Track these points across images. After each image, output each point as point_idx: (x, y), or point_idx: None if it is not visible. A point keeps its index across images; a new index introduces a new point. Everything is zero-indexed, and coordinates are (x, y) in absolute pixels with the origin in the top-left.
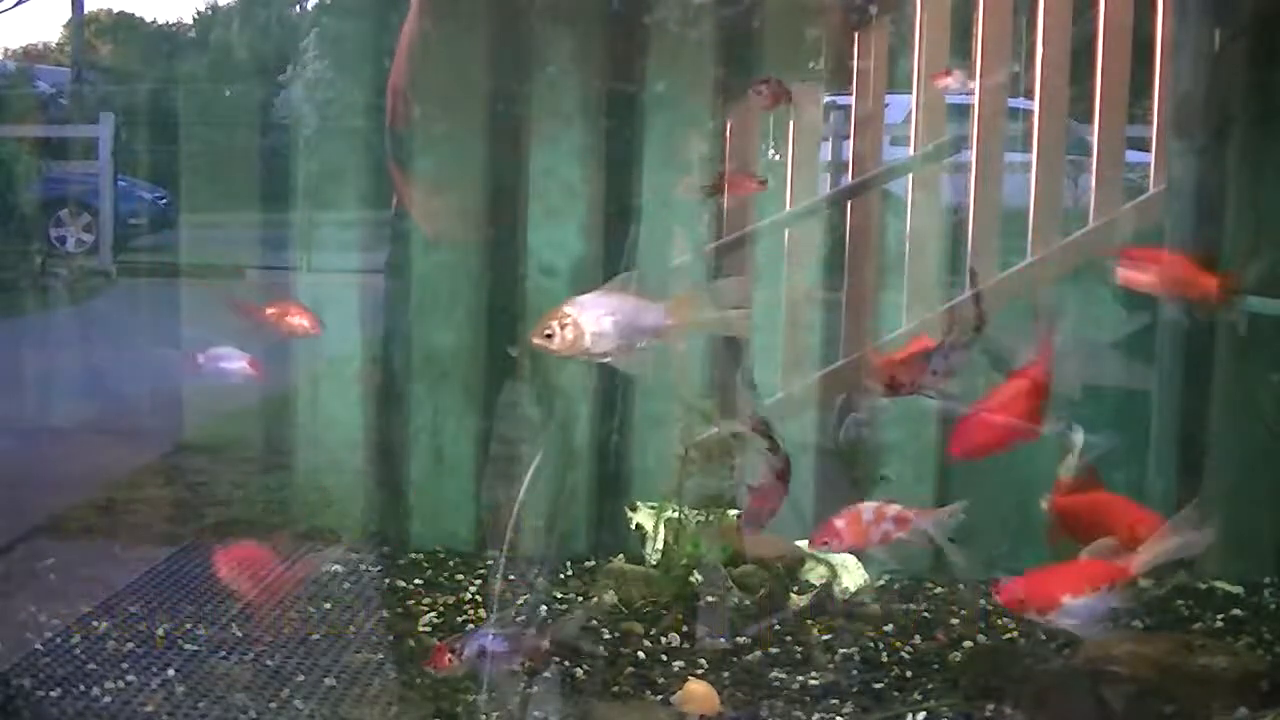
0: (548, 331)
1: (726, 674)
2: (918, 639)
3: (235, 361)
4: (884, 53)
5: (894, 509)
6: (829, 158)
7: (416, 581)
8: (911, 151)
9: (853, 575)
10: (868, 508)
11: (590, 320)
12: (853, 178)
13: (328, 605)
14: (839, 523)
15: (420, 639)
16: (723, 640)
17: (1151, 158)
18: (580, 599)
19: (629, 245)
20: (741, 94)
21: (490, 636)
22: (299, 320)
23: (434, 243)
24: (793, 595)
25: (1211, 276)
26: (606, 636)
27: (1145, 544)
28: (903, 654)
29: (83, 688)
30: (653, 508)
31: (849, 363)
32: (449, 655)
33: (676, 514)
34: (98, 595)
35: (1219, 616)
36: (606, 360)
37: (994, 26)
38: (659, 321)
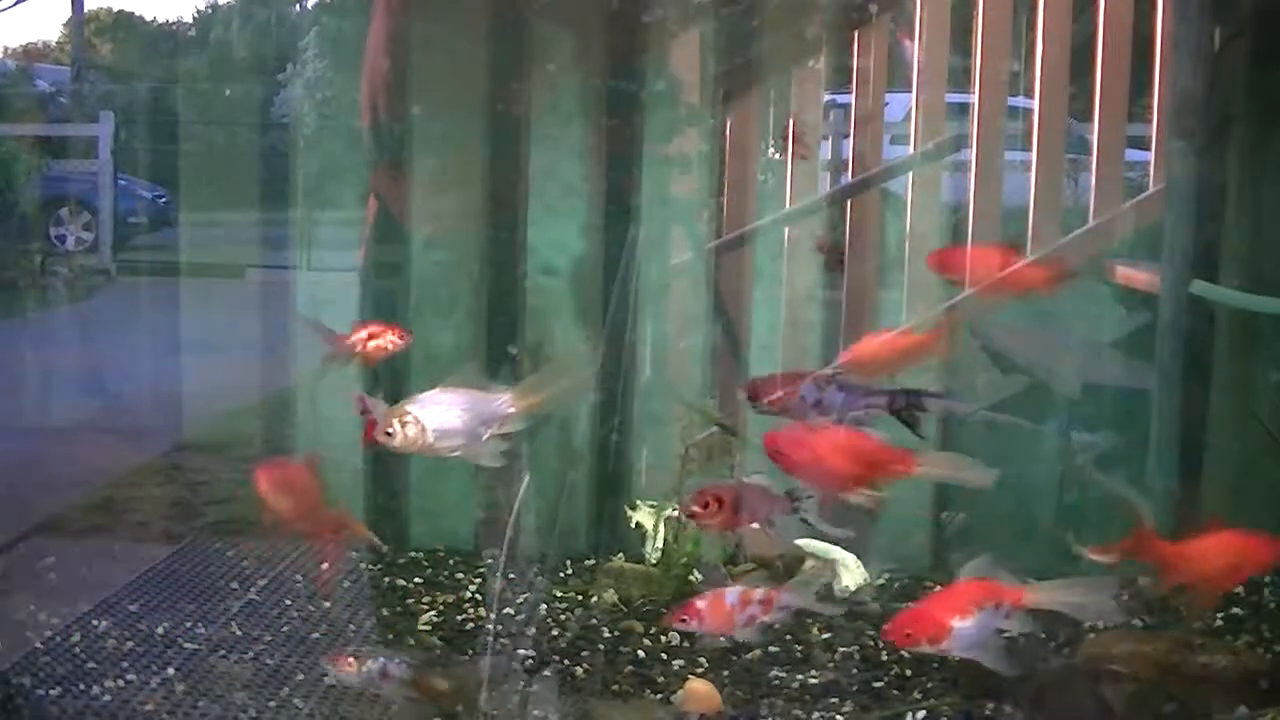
0: (389, 430)
1: (726, 673)
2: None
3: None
4: (884, 52)
5: (759, 592)
6: (829, 157)
7: (416, 580)
8: (911, 150)
9: (853, 574)
10: (732, 592)
11: (432, 418)
12: (853, 176)
13: (328, 604)
14: (701, 604)
15: (420, 637)
16: (722, 639)
17: (1151, 156)
18: (580, 597)
19: (629, 244)
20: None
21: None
22: (388, 338)
23: (428, 240)
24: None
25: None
26: (607, 635)
27: (1050, 586)
28: (902, 653)
29: (82, 686)
30: (653, 507)
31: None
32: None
33: (676, 513)
34: (97, 594)
35: (1219, 615)
36: (456, 454)
37: (994, 26)
38: (503, 411)
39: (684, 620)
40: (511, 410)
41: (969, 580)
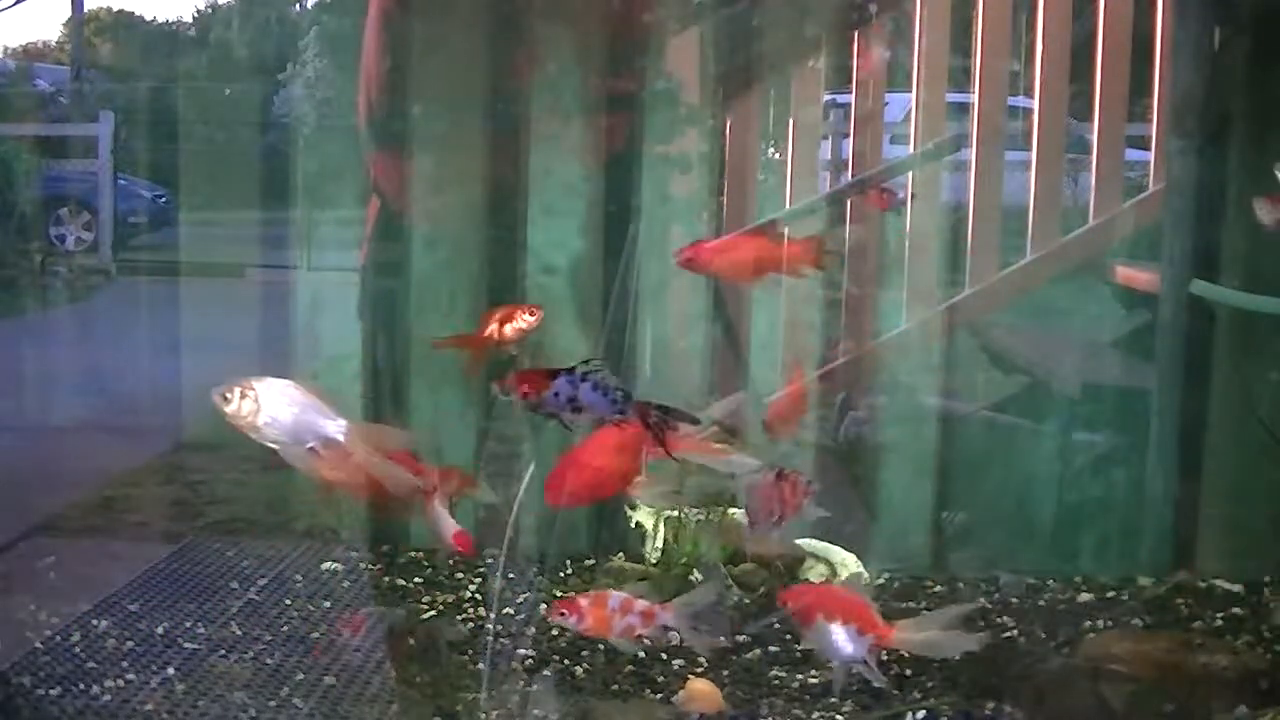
0: (227, 394)
1: (726, 672)
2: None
3: None
4: (884, 51)
5: (641, 604)
6: (829, 156)
7: (416, 580)
8: (911, 150)
9: (853, 574)
10: (616, 597)
11: (269, 402)
12: (852, 176)
13: (327, 604)
14: (582, 602)
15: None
16: (722, 639)
17: (1151, 156)
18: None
19: (629, 243)
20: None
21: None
22: (523, 318)
23: (428, 240)
24: None
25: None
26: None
27: (915, 626)
28: (902, 652)
29: (82, 686)
30: (652, 506)
31: (848, 361)
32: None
33: (676, 512)
34: (97, 594)
35: (1219, 615)
36: (275, 449)
37: (994, 26)
38: (333, 435)
39: (563, 614)
40: (341, 439)
41: (863, 598)
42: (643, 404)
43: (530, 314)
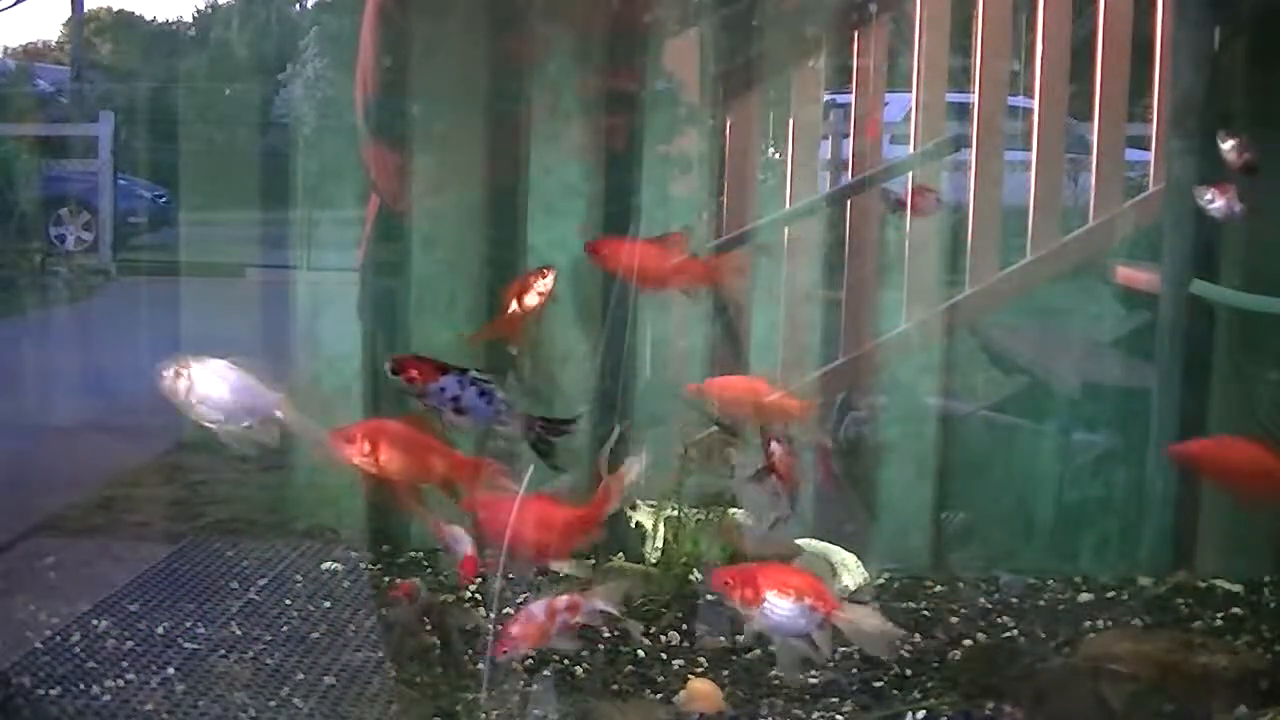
0: (164, 371)
1: (726, 672)
2: (917, 637)
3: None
4: (884, 51)
5: (564, 600)
6: (828, 156)
7: (416, 580)
8: (911, 150)
9: (852, 574)
10: (537, 606)
11: (203, 381)
12: (852, 176)
13: (327, 604)
14: (515, 629)
15: (420, 637)
16: (722, 639)
17: (1151, 156)
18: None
19: None
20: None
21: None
22: (538, 284)
23: (428, 239)
24: None
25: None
26: (606, 635)
27: (852, 608)
28: (902, 652)
29: (82, 686)
30: (652, 506)
31: (848, 361)
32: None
33: (676, 512)
34: (97, 594)
35: (1219, 615)
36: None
37: (994, 26)
38: (269, 410)
39: (504, 652)
40: (278, 414)
41: (807, 570)
42: (528, 416)
43: (544, 277)
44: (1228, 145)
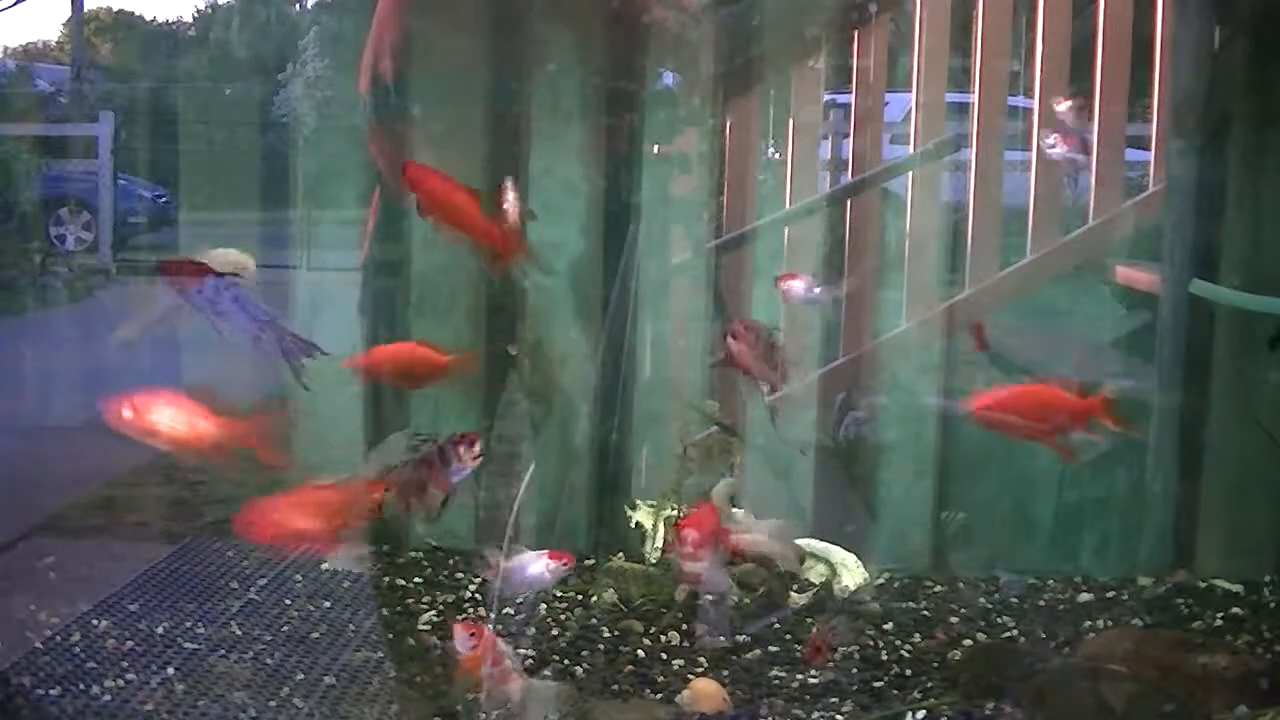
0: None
1: (726, 672)
2: (917, 637)
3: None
4: (884, 51)
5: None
6: (828, 156)
7: (416, 580)
8: (911, 150)
9: (853, 574)
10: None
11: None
12: (852, 176)
13: (327, 604)
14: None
15: (420, 638)
16: (722, 639)
17: (1151, 156)
18: (580, 597)
19: (628, 244)
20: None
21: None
22: (506, 196)
23: (428, 239)
24: (792, 594)
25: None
26: (606, 635)
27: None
28: (902, 652)
29: (82, 686)
30: (652, 506)
31: (848, 361)
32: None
33: (676, 512)
34: (97, 594)
35: (1219, 615)
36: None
37: (994, 26)
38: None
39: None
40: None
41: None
42: (279, 328)
43: (510, 191)
44: (1063, 106)
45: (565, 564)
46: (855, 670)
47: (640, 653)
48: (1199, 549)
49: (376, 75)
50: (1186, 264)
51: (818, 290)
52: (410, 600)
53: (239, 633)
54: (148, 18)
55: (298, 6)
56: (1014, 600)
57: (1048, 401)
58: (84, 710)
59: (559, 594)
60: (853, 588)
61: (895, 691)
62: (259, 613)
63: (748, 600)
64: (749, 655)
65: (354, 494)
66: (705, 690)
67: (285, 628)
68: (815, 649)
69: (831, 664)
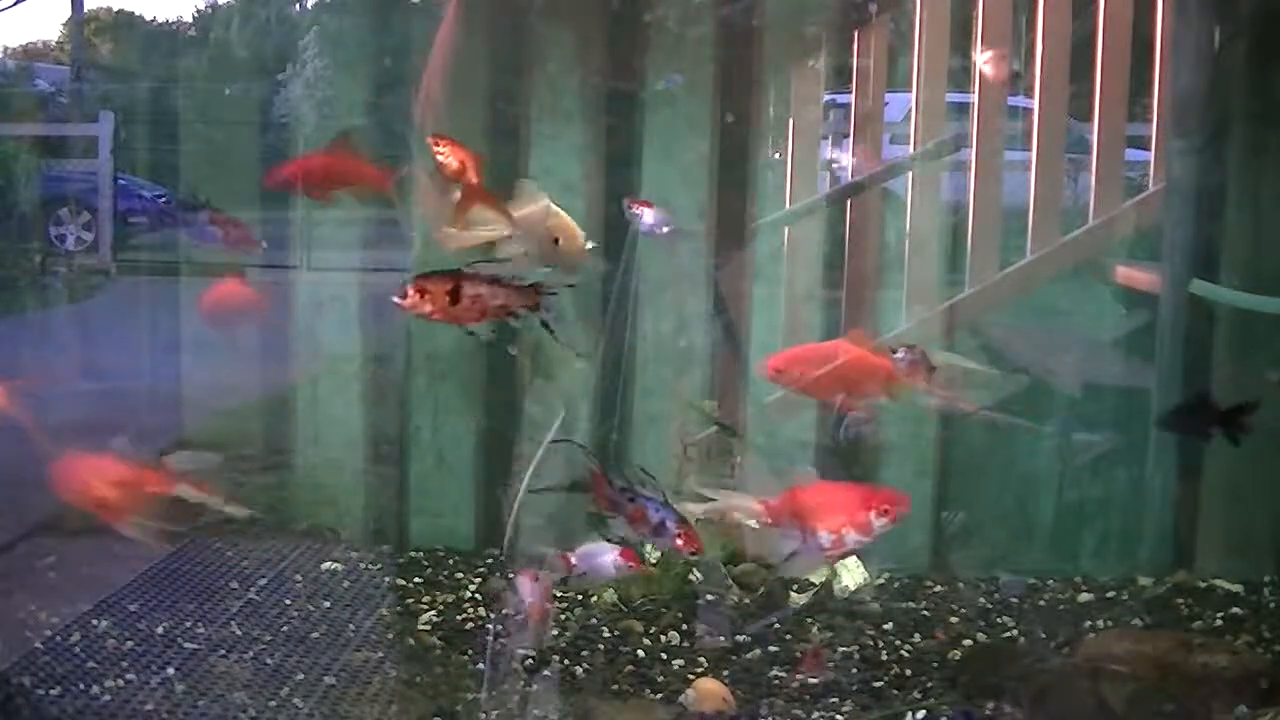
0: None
1: (726, 672)
2: (917, 637)
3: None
4: (884, 51)
5: None
6: (829, 156)
7: (416, 580)
8: (911, 150)
9: (853, 574)
10: None
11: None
12: (852, 176)
13: (327, 603)
14: None
15: (420, 637)
16: (722, 639)
17: (1151, 156)
18: (580, 597)
19: (628, 244)
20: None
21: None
22: (437, 149)
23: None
24: (792, 594)
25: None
26: (607, 635)
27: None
28: (902, 652)
29: (82, 686)
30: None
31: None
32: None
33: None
34: (97, 594)
35: (1218, 615)
36: None
37: (994, 26)
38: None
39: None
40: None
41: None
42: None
43: (437, 144)
44: (985, 57)
45: (631, 565)
46: (855, 670)
47: (640, 653)
48: (1199, 549)
49: (429, 99)
50: (1186, 264)
51: (666, 230)
52: (410, 600)
53: (239, 633)
54: (148, 18)
55: (298, 6)
56: (1014, 600)
57: (836, 357)
58: (84, 710)
59: (559, 594)
60: (853, 588)
61: (895, 691)
62: (259, 613)
63: (748, 600)
64: (749, 655)
65: (141, 475)
66: (708, 690)
67: (285, 628)
68: (812, 658)
69: (830, 665)
